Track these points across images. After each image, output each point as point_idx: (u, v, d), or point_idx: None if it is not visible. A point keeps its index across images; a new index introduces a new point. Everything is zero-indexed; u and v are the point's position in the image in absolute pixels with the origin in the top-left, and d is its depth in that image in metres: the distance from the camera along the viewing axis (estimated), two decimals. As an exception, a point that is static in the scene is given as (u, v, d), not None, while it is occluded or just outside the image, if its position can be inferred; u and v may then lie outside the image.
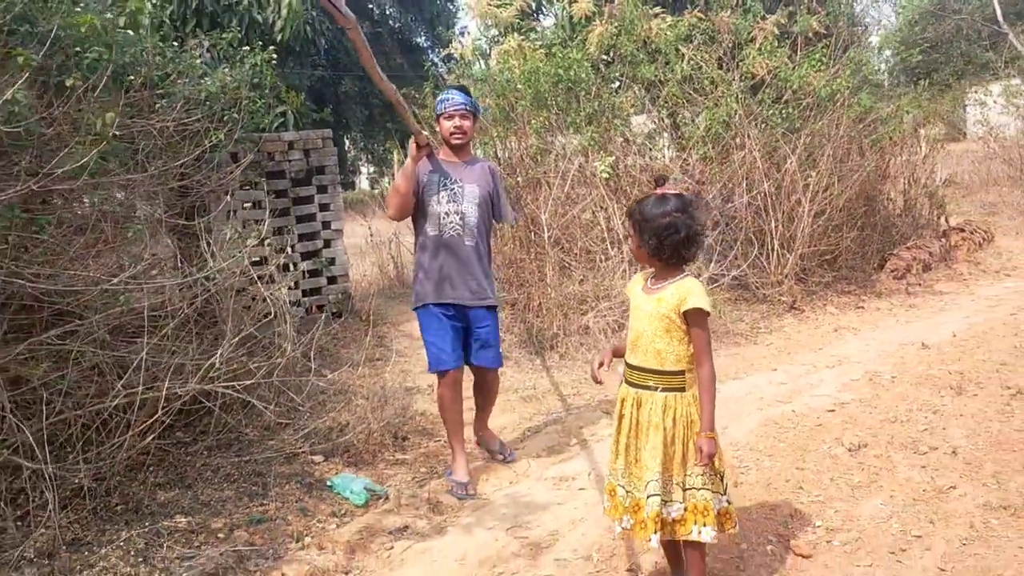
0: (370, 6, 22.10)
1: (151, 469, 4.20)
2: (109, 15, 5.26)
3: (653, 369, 2.64)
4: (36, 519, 3.62)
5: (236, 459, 4.41)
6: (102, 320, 4.37)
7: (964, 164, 15.46)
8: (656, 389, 2.63)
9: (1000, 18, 15.66)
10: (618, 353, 2.83)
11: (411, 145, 4.00)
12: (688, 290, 2.60)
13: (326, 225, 7.28)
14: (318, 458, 4.45)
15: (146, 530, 3.58)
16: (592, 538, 3.32)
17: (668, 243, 2.59)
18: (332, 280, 7.34)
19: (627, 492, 2.67)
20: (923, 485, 3.47)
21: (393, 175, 17.96)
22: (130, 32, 5.32)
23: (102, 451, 3.94)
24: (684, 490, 2.60)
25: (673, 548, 2.80)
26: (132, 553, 3.36)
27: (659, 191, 2.66)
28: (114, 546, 3.42)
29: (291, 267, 6.99)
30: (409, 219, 4.29)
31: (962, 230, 9.78)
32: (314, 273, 7.20)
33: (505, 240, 7.52)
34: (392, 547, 3.42)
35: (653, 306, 2.64)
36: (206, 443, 4.54)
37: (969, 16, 20.09)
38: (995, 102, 14.75)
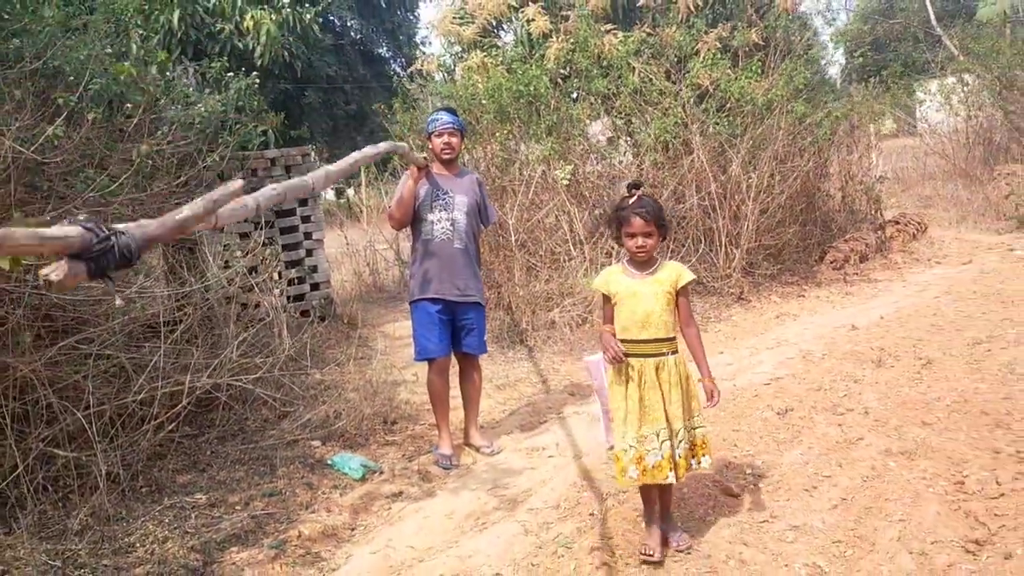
0: (331, 18, 22.54)
1: (169, 457, 4.72)
2: (109, 50, 5.82)
3: (665, 338, 3.17)
4: (71, 501, 4.15)
5: (243, 446, 4.95)
6: (119, 326, 4.92)
7: (906, 160, 16.37)
8: (668, 354, 3.16)
9: (933, 20, 16.59)
10: (613, 335, 3.24)
11: (412, 170, 4.61)
12: (680, 268, 3.25)
13: (308, 236, 7.82)
14: (316, 443, 5.00)
15: (172, 506, 4.11)
16: (560, 492, 3.92)
17: (667, 233, 3.24)
18: (315, 287, 7.88)
19: (668, 446, 3.11)
20: (836, 438, 4.12)
21: (359, 186, 18.48)
22: (127, 65, 5.87)
23: (125, 441, 4.47)
24: (691, 430, 3.17)
25: (647, 491, 3.27)
26: (164, 523, 3.89)
27: (637, 194, 3.18)
28: (147, 519, 3.95)
29: (278, 275, 7.50)
30: (389, 229, 4.91)
31: (897, 222, 10.55)
32: (297, 280, 7.73)
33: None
34: (390, 508, 4.01)
35: (655, 287, 3.17)
36: (214, 434, 5.07)
37: (904, 19, 21.06)
38: (931, 100, 15.63)
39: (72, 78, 4.98)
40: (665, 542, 3.22)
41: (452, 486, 4.24)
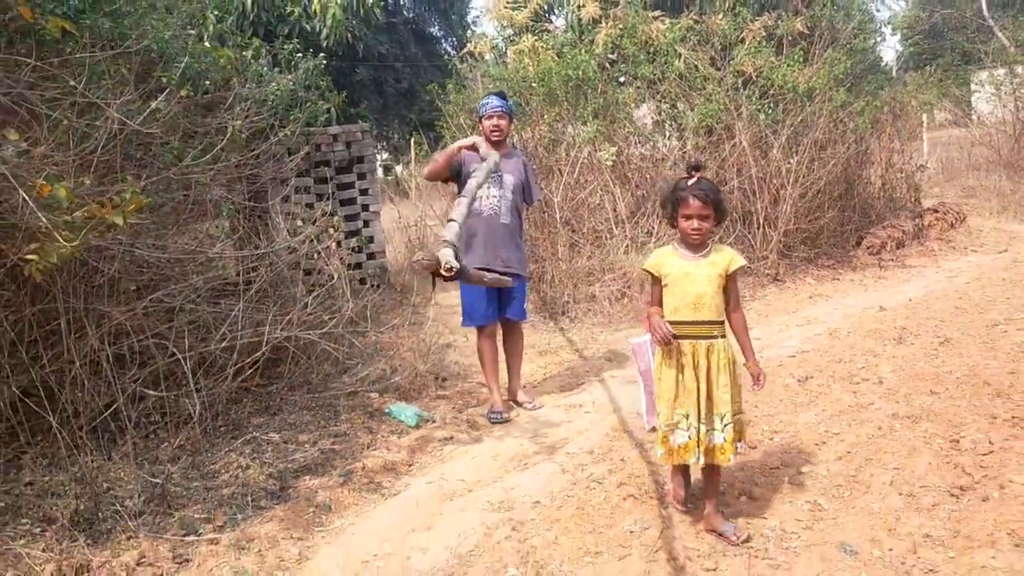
0: (384, -1, 23.12)
1: (244, 402, 5.26)
2: (192, 31, 6.35)
3: (716, 320, 3.17)
4: (158, 436, 4.70)
5: (309, 396, 5.47)
6: (202, 282, 5.46)
7: (951, 150, 16.40)
8: (718, 336, 3.17)
9: (985, 11, 16.52)
10: (662, 317, 3.24)
11: (466, 142, 5.01)
12: (732, 253, 3.25)
13: (365, 208, 8.33)
14: (374, 395, 5.50)
15: (249, 441, 4.65)
16: (594, 441, 4.37)
17: (725, 213, 3.27)
18: (371, 256, 8.40)
19: (702, 429, 3.14)
20: (849, 403, 4.51)
21: (407, 162, 18.99)
22: (207, 45, 6.41)
23: (207, 386, 5.00)
24: (736, 415, 3.18)
25: (685, 471, 3.40)
26: (245, 454, 4.43)
27: (696, 176, 3.17)
28: (229, 451, 4.49)
29: (338, 244, 8.03)
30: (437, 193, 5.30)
31: (936, 211, 10.74)
32: (356, 250, 8.25)
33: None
34: (442, 450, 4.50)
35: (708, 269, 3.16)
36: (283, 384, 5.59)
37: (957, 8, 20.90)
38: (981, 91, 15.63)
39: (159, 57, 5.52)
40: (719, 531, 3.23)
41: (497, 434, 4.71)
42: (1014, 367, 4.82)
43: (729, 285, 3.23)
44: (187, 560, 3.34)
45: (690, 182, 3.16)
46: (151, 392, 4.78)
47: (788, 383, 4.97)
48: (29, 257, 3.53)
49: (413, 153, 18.47)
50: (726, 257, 3.22)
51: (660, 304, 3.27)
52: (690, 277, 3.18)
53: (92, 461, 4.03)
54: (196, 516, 3.73)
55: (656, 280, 3.29)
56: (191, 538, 3.52)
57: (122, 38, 5.43)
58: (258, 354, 5.08)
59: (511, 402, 5.31)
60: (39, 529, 3.64)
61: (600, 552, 3.09)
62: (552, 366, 6.25)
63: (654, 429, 3.44)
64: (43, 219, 3.50)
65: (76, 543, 3.48)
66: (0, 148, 3.64)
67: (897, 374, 4.96)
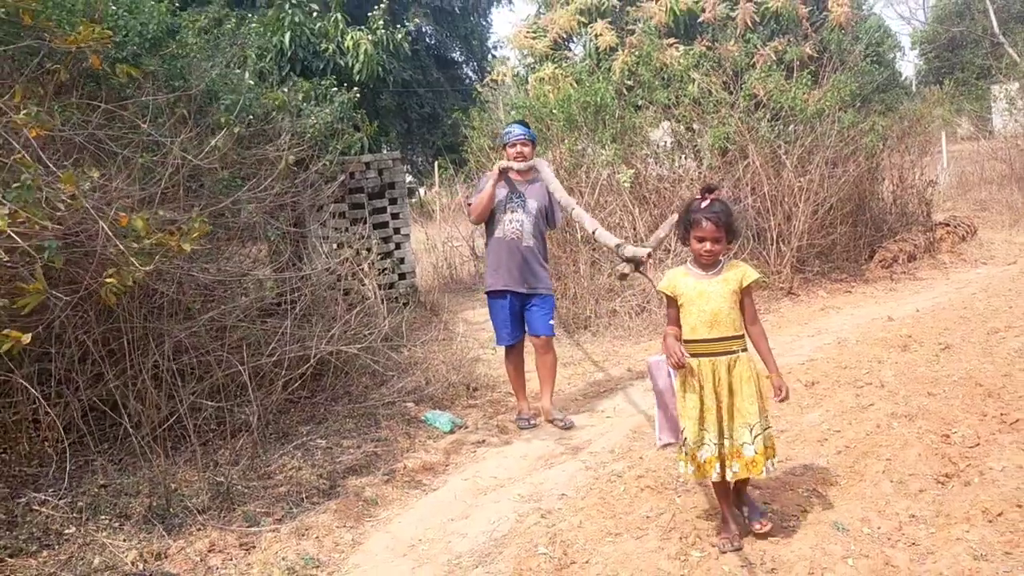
0: (407, 24, 23.77)
1: (292, 412, 5.69)
2: (238, 70, 6.86)
3: (734, 336, 3.23)
4: (214, 443, 5.13)
5: (350, 406, 5.89)
6: (250, 302, 5.93)
7: (969, 164, 16.67)
8: (739, 351, 3.23)
9: (995, 27, 16.80)
10: (676, 338, 3.29)
11: (494, 172, 5.34)
12: (745, 268, 3.30)
13: (396, 231, 8.81)
14: (411, 404, 5.92)
15: (299, 446, 5.07)
16: (615, 441, 4.77)
17: (737, 234, 3.36)
18: (402, 276, 8.85)
19: (729, 443, 3.20)
20: (851, 404, 4.87)
21: (431, 186, 19.47)
22: (251, 82, 6.93)
23: (258, 397, 5.43)
24: (765, 428, 3.24)
25: (724, 487, 3.33)
26: (296, 458, 4.86)
27: (711, 197, 3.25)
28: (282, 455, 4.92)
29: (371, 264, 8.50)
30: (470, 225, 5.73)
31: (947, 224, 11.05)
32: (387, 271, 8.71)
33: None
34: (475, 451, 4.92)
35: (722, 287, 3.22)
36: (326, 396, 6.02)
37: (967, 25, 21.18)
38: (995, 105, 15.92)
39: (208, 95, 6.03)
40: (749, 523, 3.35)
41: (526, 437, 5.12)
42: (1008, 370, 5.16)
43: (745, 300, 3.29)
44: (253, 547, 3.77)
45: (703, 204, 3.23)
46: (209, 403, 5.22)
47: (795, 387, 5.32)
48: (108, 281, 3.96)
49: (437, 176, 19.01)
50: (739, 273, 3.27)
51: (678, 323, 3.32)
52: (704, 296, 3.23)
53: (160, 464, 4.48)
54: (257, 511, 4.16)
55: (672, 301, 3.34)
56: (254, 529, 3.95)
57: (175, 79, 5.95)
58: (305, 367, 5.52)
59: (545, 419, 5.41)
60: (117, 524, 4.07)
61: (620, 533, 3.47)
62: (575, 377, 6.65)
63: (666, 446, 3.56)
64: (120, 246, 3.95)
65: (152, 534, 3.92)
66: (80, 184, 4.11)
67: (898, 378, 5.30)
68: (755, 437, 3.19)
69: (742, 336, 3.28)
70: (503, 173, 5.30)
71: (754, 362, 3.28)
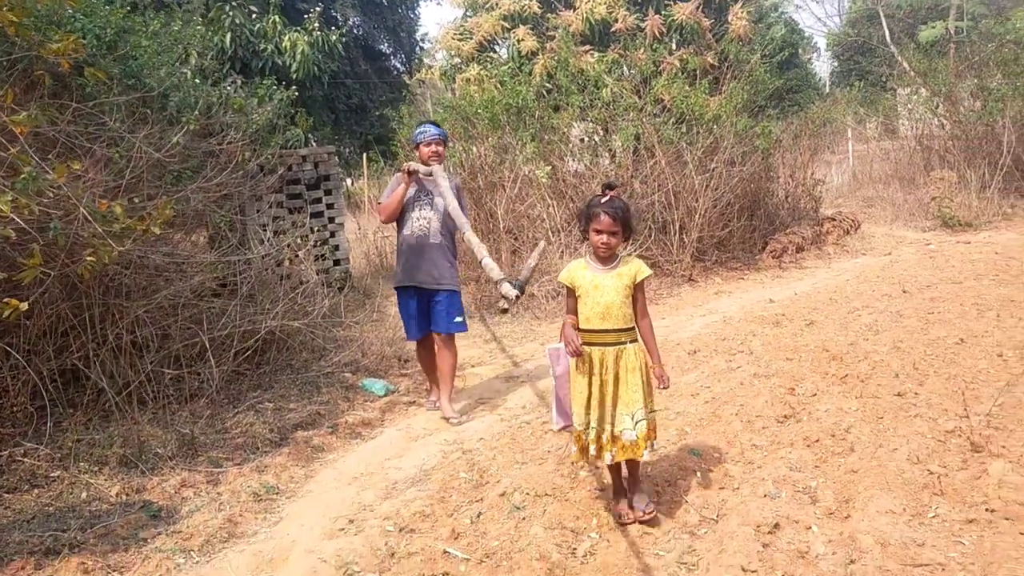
0: (335, 14, 24.12)
1: (240, 380, 6.36)
2: (186, 70, 7.44)
3: (624, 328, 3.43)
4: (171, 407, 5.76)
5: (293, 376, 6.58)
6: (202, 282, 6.55)
7: (871, 163, 18.11)
8: (628, 342, 3.43)
9: (888, 38, 18.27)
10: (574, 326, 3.48)
11: (404, 175, 5.42)
12: (639, 264, 3.49)
13: (331, 220, 9.47)
14: (348, 374, 6.64)
15: (249, 408, 5.75)
16: (526, 399, 5.61)
17: (633, 231, 3.55)
18: (336, 262, 9.52)
19: (608, 430, 3.41)
20: (723, 367, 5.82)
21: (359, 177, 19.93)
22: (197, 80, 7.53)
23: (213, 365, 6.07)
24: (650, 412, 3.47)
25: (617, 469, 3.62)
26: (249, 416, 5.54)
27: (611, 193, 3.42)
28: (235, 413, 5.60)
29: (310, 251, 9.14)
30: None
31: (833, 219, 12.25)
32: (323, 257, 9.37)
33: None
34: (407, 410, 5.69)
35: (616, 281, 3.40)
36: (269, 368, 6.69)
37: (859, 33, 22.74)
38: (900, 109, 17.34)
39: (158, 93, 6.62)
40: (631, 507, 3.59)
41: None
42: (854, 340, 6.18)
43: (637, 295, 3.48)
44: (219, 482, 4.47)
45: (603, 200, 3.40)
46: (168, 371, 5.85)
47: (679, 355, 6.27)
48: (89, 259, 4.58)
49: (366, 168, 19.57)
50: (633, 269, 3.46)
51: (576, 313, 3.51)
52: (599, 288, 3.41)
53: (133, 417, 5.11)
54: (219, 456, 4.86)
55: (571, 291, 3.53)
56: (219, 469, 4.65)
57: (129, 78, 6.52)
58: (254, 340, 6.20)
59: (442, 417, 5.44)
60: (96, 468, 4.71)
61: (526, 463, 4.31)
62: (496, 352, 7.47)
63: (562, 429, 3.71)
64: (99, 229, 4.59)
65: (129, 475, 4.58)
66: (51, 175, 4.71)
67: (765, 347, 6.28)
68: (637, 423, 3.38)
69: (632, 328, 3.48)
70: (411, 175, 5.40)
71: (643, 353, 3.49)
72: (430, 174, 5.40)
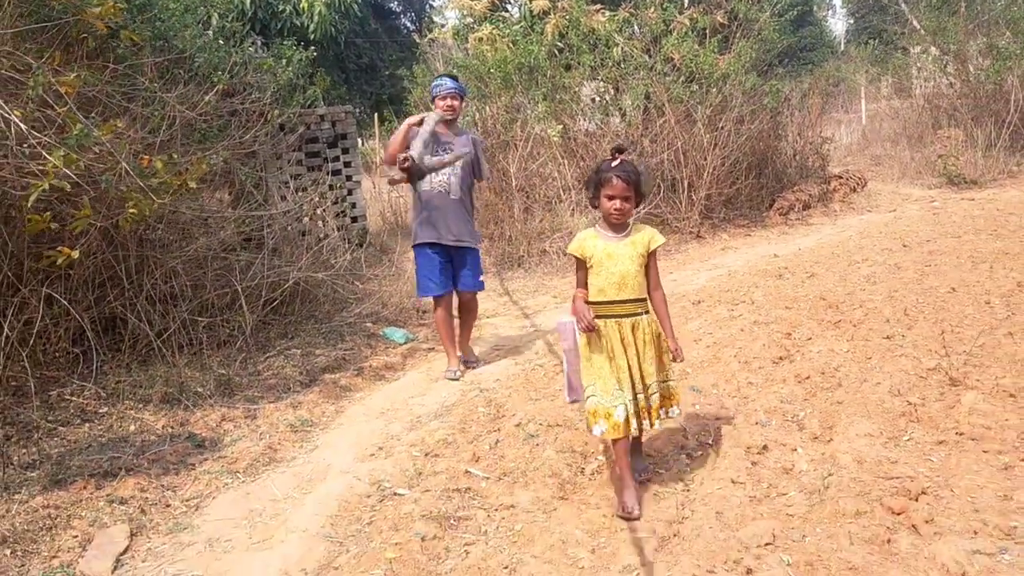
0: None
1: (268, 330, 6.73)
2: (209, 32, 7.72)
3: (639, 299, 3.31)
4: (204, 353, 6.13)
5: (317, 326, 6.95)
6: (229, 235, 6.90)
7: (874, 124, 18.25)
8: (643, 313, 3.32)
9: (899, -5, 18.26)
10: (585, 301, 3.32)
11: (405, 123, 5.40)
12: (652, 232, 3.35)
13: (349, 178, 9.78)
14: (369, 324, 7.01)
15: (279, 353, 6.13)
16: (539, 346, 5.97)
17: (646, 195, 3.86)
18: (354, 219, 9.85)
19: (643, 398, 3.31)
20: (724, 315, 6.15)
21: (370, 137, 20.15)
22: (220, 41, 7.80)
23: (238, 316, 6.44)
24: (664, 383, 3.42)
25: (619, 445, 3.36)
26: (279, 360, 5.92)
27: (620, 157, 3.26)
28: (266, 358, 5.98)
29: (329, 206, 9.47)
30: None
31: (840, 177, 12.47)
32: (341, 214, 9.70)
33: (483, 189, 10.05)
34: (427, 355, 6.06)
35: (630, 249, 3.26)
36: (293, 318, 7.06)
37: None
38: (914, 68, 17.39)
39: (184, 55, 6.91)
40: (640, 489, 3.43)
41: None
42: (851, 290, 6.49)
43: (650, 263, 3.35)
44: (256, 416, 4.85)
45: (613, 164, 3.23)
46: (201, 319, 6.22)
47: (684, 305, 6.60)
48: (131, 211, 4.90)
49: (377, 128, 19.78)
50: (646, 236, 3.33)
51: (586, 286, 3.36)
52: (613, 257, 3.26)
53: (174, 360, 5.50)
54: (255, 395, 5.24)
55: (581, 263, 3.36)
56: (255, 406, 5.03)
57: (157, 39, 6.81)
58: (281, 291, 6.56)
59: (460, 359, 5.63)
60: (140, 406, 5.10)
61: (539, 399, 4.68)
62: (509, 304, 7.81)
63: (574, 402, 3.62)
64: (140, 183, 4.92)
65: (172, 411, 4.97)
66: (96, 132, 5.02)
67: (767, 297, 6.60)
68: (651, 395, 3.33)
69: (645, 299, 3.36)
70: (412, 126, 5.33)
71: (655, 324, 3.40)
72: (453, 123, 5.41)
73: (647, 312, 3.37)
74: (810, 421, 3.95)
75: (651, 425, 3.40)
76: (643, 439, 3.69)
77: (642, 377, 3.32)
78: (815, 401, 4.22)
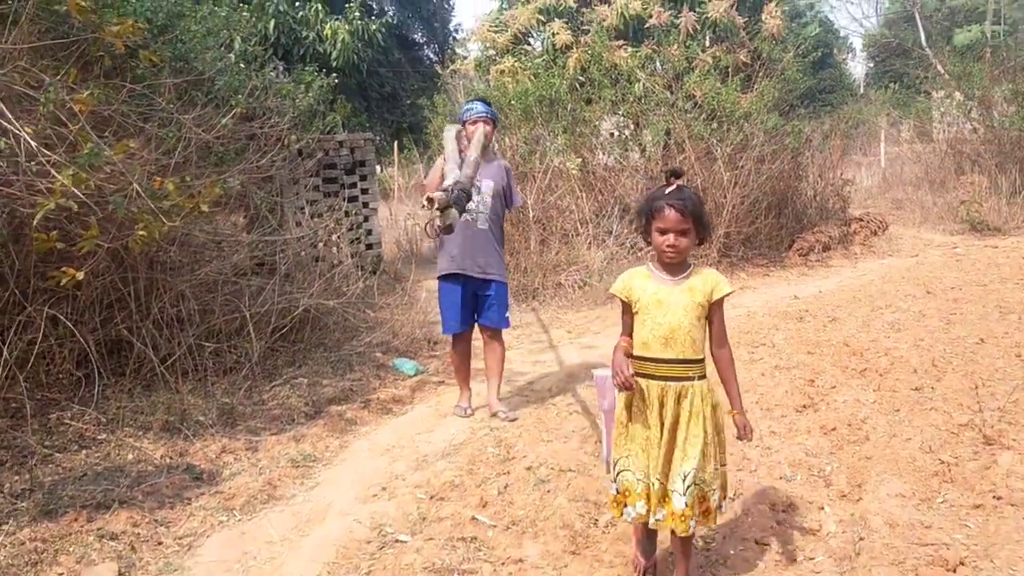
0: (371, 4, 24.32)
1: (276, 357, 6.59)
2: (232, 56, 7.67)
3: (692, 359, 2.71)
4: (209, 379, 5.99)
5: (326, 354, 6.81)
6: (242, 259, 6.79)
7: (902, 165, 18.09)
8: (694, 379, 2.70)
9: (923, 40, 18.18)
10: (627, 353, 2.78)
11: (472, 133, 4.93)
12: (717, 277, 2.77)
13: (365, 205, 9.69)
14: (379, 354, 6.86)
15: (285, 382, 5.98)
16: (552, 383, 5.80)
17: (707, 235, 2.80)
18: (369, 246, 9.75)
19: (659, 485, 2.70)
20: (745, 358, 5.96)
21: (389, 164, 20.14)
22: (241, 64, 7.75)
23: (246, 342, 6.30)
24: (719, 468, 2.76)
25: (648, 532, 2.94)
26: (284, 390, 5.77)
27: (676, 182, 2.73)
28: (272, 387, 5.83)
29: (344, 233, 9.38)
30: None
31: (861, 220, 12.29)
32: (356, 240, 9.60)
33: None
34: (436, 389, 5.89)
35: (686, 297, 2.69)
36: (303, 346, 6.92)
37: (895, 35, 22.62)
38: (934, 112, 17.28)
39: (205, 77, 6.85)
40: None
41: (480, 379, 6.09)
42: (875, 337, 6.30)
43: (713, 316, 2.80)
44: (258, 449, 4.69)
45: (668, 190, 2.71)
46: (208, 344, 6.09)
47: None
48: (140, 234, 4.79)
49: (396, 156, 19.79)
50: (709, 282, 2.76)
51: (631, 334, 2.83)
52: (663, 305, 2.71)
53: (176, 385, 5.36)
54: (258, 426, 5.09)
55: (627, 306, 2.84)
56: (257, 437, 4.87)
57: (178, 61, 6.76)
58: (291, 317, 6.42)
59: (489, 413, 5.23)
60: (140, 433, 4.95)
61: (551, 441, 4.49)
62: (523, 337, 7.65)
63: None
64: (151, 205, 4.81)
65: (172, 440, 4.82)
66: (108, 151, 4.93)
67: (788, 341, 6.41)
68: (687, 488, 2.66)
69: (701, 361, 2.77)
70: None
71: (711, 394, 2.79)
72: (486, 149, 4.96)
73: (701, 378, 2.75)
74: (837, 477, 3.75)
75: (685, 530, 2.69)
76: (689, 546, 2.93)
77: (678, 457, 2.68)
78: (842, 455, 4.02)
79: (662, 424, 2.69)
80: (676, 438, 2.69)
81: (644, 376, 2.73)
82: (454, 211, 4.09)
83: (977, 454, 3.88)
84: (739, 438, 2.83)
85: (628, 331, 2.84)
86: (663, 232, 2.68)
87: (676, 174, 2.75)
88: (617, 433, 2.82)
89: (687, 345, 2.70)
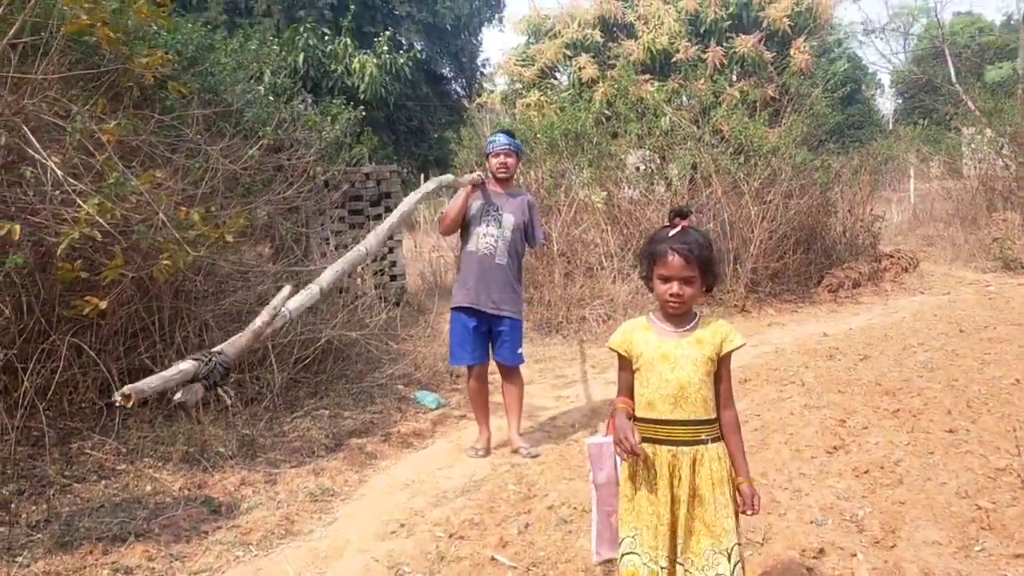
0: (400, 39, 24.60)
1: (297, 388, 6.55)
2: (261, 88, 7.75)
3: (705, 420, 2.44)
4: (229, 412, 5.97)
5: (348, 386, 6.76)
6: (267, 289, 6.78)
7: (933, 202, 17.88)
8: (708, 441, 2.43)
9: (953, 77, 18.06)
10: (629, 416, 2.48)
11: (467, 182, 5.12)
12: (727, 329, 2.51)
13: (390, 237, 9.69)
14: (401, 386, 6.80)
15: (306, 414, 5.93)
16: (575, 419, 5.70)
17: (718, 277, 2.55)
18: (393, 278, 9.74)
19: (683, 572, 2.39)
20: (773, 397, 5.83)
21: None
22: (270, 97, 7.82)
23: (268, 373, 6.27)
24: (719, 558, 2.37)
25: None
26: (305, 422, 5.72)
27: (682, 224, 2.46)
28: (292, 418, 5.79)
29: (369, 265, 9.38)
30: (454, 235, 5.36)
31: (892, 256, 12.12)
32: (380, 272, 9.60)
33: (525, 252, 9.92)
34: (458, 423, 5.82)
35: (695, 350, 2.43)
36: (325, 377, 6.88)
37: (924, 71, 22.50)
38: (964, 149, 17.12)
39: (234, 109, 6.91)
40: None
41: (501, 414, 6.02)
42: (908, 376, 6.15)
43: (722, 372, 2.52)
44: (276, 482, 4.63)
45: (671, 232, 2.44)
46: (231, 375, 6.06)
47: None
48: (164, 263, 4.78)
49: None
50: (718, 334, 2.49)
51: (631, 394, 2.53)
52: (669, 360, 2.44)
53: (197, 417, 5.33)
54: (277, 458, 5.03)
55: (625, 362, 2.54)
56: (276, 470, 4.82)
57: (207, 92, 6.82)
58: (313, 348, 6.39)
59: (511, 450, 5.16)
60: (160, 464, 4.91)
61: (573, 478, 4.39)
62: (546, 371, 7.57)
63: (606, 562, 2.75)
64: (176, 235, 4.82)
65: (191, 471, 4.78)
66: (134, 181, 4.95)
67: (818, 380, 6.28)
68: (735, 566, 2.36)
69: (714, 421, 2.48)
70: (476, 187, 5.09)
71: (727, 457, 2.49)
72: (509, 180, 5.14)
73: (716, 440, 2.45)
74: (870, 522, 3.62)
75: None
76: None
77: (709, 538, 2.36)
78: (875, 499, 3.88)
79: (672, 497, 2.39)
80: (698, 514, 2.39)
81: (651, 441, 2.43)
82: (198, 386, 3.67)
83: (1016, 500, 3.74)
84: (743, 511, 2.46)
85: (627, 391, 2.54)
86: (666, 280, 2.41)
87: (682, 214, 2.47)
88: (622, 508, 2.50)
89: (698, 404, 2.41)
